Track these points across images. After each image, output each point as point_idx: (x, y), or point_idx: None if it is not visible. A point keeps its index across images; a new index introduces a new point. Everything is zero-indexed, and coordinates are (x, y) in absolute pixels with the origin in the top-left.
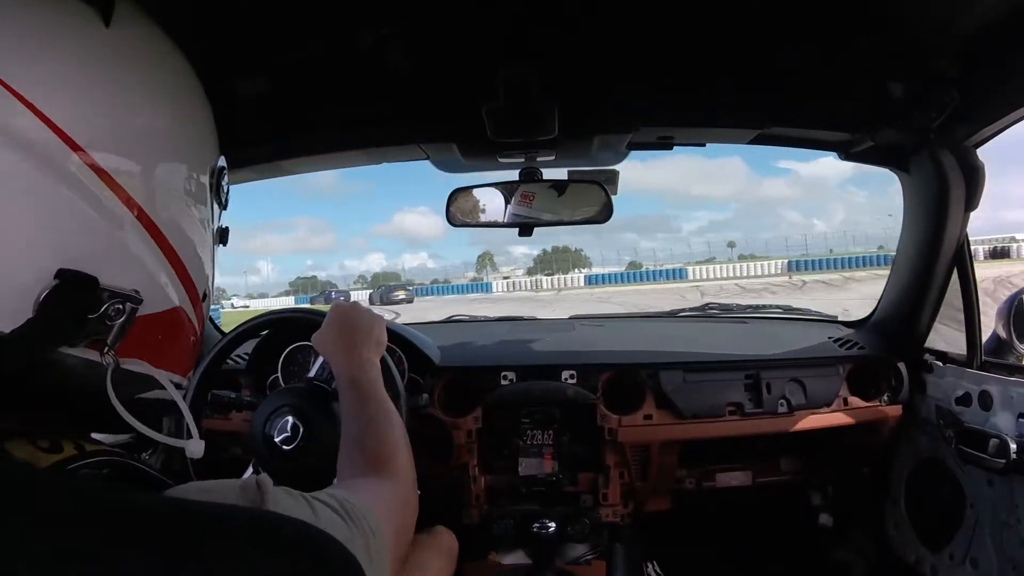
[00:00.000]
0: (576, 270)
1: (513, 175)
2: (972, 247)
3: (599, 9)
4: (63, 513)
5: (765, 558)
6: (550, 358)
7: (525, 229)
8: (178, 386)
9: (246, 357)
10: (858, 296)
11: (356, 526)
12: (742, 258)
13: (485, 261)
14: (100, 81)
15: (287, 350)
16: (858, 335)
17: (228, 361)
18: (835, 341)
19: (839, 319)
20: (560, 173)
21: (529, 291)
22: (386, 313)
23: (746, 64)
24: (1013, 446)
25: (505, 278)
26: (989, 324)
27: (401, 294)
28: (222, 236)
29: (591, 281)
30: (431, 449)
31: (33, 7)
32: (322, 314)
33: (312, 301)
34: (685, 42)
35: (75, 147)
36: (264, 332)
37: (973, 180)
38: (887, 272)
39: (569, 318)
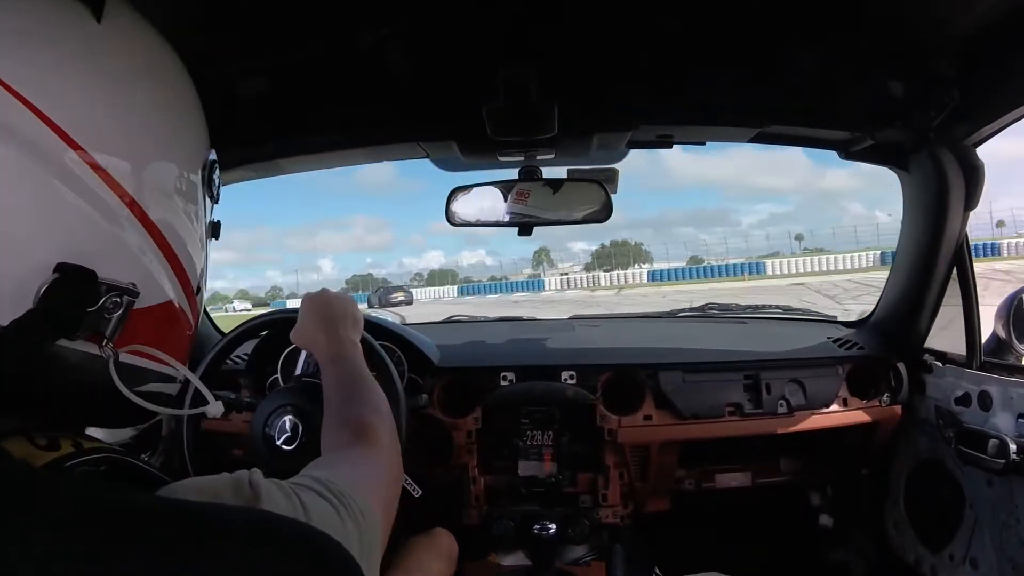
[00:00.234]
0: (636, 265)
1: (513, 173)
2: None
3: (599, 9)
4: (63, 513)
5: (765, 558)
6: (550, 358)
7: (524, 228)
8: (174, 379)
9: (246, 357)
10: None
11: (346, 510)
12: (807, 252)
13: (541, 257)
14: (93, 75)
15: (287, 350)
16: (857, 335)
17: (228, 362)
18: (834, 341)
19: (839, 319)
20: (560, 171)
21: (585, 289)
22: (387, 315)
23: (746, 63)
24: (1012, 446)
25: (563, 275)
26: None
27: (400, 295)
28: (214, 230)
29: (654, 277)
30: (431, 450)
31: (25, 4)
32: None
33: (368, 300)
34: (685, 41)
35: (71, 143)
36: (264, 332)
37: (973, 179)
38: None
39: (569, 318)
